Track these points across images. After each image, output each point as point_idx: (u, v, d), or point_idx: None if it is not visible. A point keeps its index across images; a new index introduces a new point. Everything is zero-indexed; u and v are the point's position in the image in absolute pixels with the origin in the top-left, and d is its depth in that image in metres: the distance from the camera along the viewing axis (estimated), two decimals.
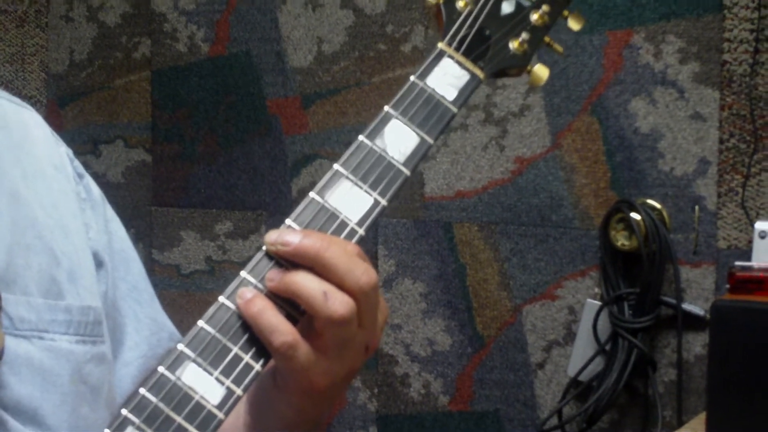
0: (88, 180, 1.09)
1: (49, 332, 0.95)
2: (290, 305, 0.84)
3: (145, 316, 1.09)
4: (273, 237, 0.85)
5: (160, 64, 2.59)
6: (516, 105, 2.20)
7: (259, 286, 0.84)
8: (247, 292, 0.83)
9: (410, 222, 2.32)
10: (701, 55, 2.04)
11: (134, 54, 2.62)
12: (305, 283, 0.83)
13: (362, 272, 0.84)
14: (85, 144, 2.66)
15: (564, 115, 2.16)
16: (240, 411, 0.94)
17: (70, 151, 1.09)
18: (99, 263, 1.04)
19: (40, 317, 0.94)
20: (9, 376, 0.90)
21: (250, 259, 0.86)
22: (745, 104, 2.01)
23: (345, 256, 0.84)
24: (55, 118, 2.69)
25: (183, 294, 2.57)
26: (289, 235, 0.84)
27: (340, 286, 0.83)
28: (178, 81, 2.57)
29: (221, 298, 0.84)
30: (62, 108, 2.70)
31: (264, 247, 0.85)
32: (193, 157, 2.56)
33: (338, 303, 0.82)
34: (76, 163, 1.09)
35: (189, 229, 2.57)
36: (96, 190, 1.09)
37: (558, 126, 2.17)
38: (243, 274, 0.84)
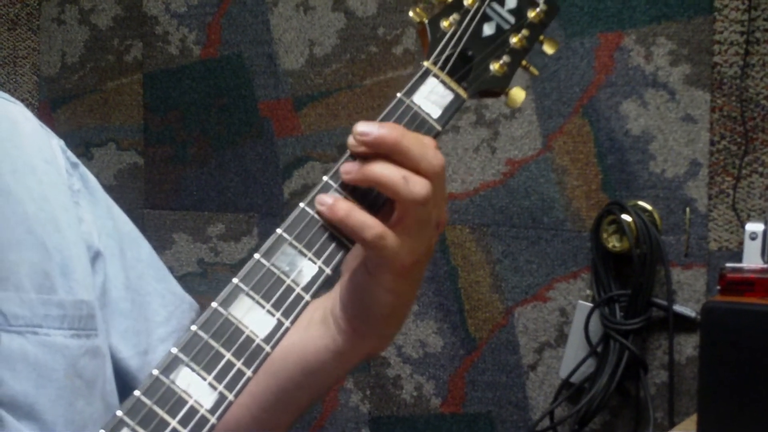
0: (84, 169, 1.10)
1: (43, 327, 0.95)
2: (362, 203, 0.89)
3: (166, 291, 1.13)
4: (356, 129, 0.90)
5: (152, 66, 2.59)
6: (507, 107, 2.20)
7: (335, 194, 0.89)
8: (327, 198, 0.88)
9: None
10: (692, 57, 2.05)
11: (126, 57, 2.62)
12: (386, 170, 0.88)
13: (433, 156, 0.90)
14: (77, 147, 2.66)
15: (555, 118, 2.17)
16: (343, 311, 0.98)
17: (62, 142, 1.09)
18: (95, 254, 1.05)
19: (33, 312, 0.95)
20: (4, 371, 0.91)
21: (242, 261, 0.87)
22: (735, 106, 2.02)
23: (419, 143, 0.89)
24: (46, 120, 2.67)
25: None
26: (366, 126, 0.89)
27: (416, 170, 0.89)
28: (169, 84, 2.57)
29: (214, 304, 0.84)
30: (54, 111, 2.70)
31: (324, 179, 0.90)
32: (185, 159, 2.56)
33: (418, 185, 0.88)
34: (69, 153, 1.09)
35: (181, 232, 2.57)
36: (92, 177, 1.10)
37: (549, 128, 2.18)
38: (325, 178, 0.90)
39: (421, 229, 0.91)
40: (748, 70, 2.00)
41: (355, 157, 0.90)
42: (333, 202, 0.88)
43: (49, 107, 2.71)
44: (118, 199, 1.14)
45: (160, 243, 2.58)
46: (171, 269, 2.73)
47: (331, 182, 0.90)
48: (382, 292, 0.94)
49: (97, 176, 2.79)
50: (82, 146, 2.66)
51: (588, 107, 2.14)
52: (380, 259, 0.91)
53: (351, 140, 0.89)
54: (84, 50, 2.67)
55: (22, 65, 2.71)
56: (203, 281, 2.56)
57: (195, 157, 2.55)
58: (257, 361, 0.83)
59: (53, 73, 2.70)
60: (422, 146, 0.89)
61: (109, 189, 2.84)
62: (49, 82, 2.71)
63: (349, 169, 0.89)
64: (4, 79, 2.69)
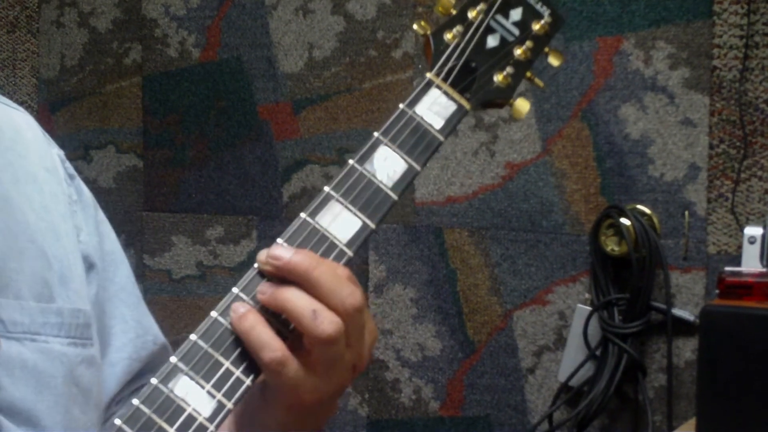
0: (79, 181, 1.09)
1: (41, 335, 0.95)
2: (281, 322, 0.84)
3: (131, 318, 1.10)
4: (264, 254, 0.85)
5: (151, 69, 2.59)
6: (506, 111, 2.20)
7: (251, 303, 0.85)
8: (241, 307, 0.84)
9: (401, 227, 2.32)
10: (691, 60, 2.05)
11: (125, 60, 2.62)
12: (295, 299, 0.84)
13: (348, 294, 0.84)
14: (76, 149, 2.66)
15: (554, 121, 2.17)
16: (225, 424, 0.94)
17: (61, 153, 1.09)
18: (89, 266, 1.05)
19: (32, 320, 0.95)
20: (3, 377, 0.91)
21: (241, 264, 0.87)
22: (734, 110, 2.02)
23: (332, 277, 0.84)
24: (46, 123, 2.69)
25: (174, 299, 2.57)
26: (281, 250, 0.85)
27: (327, 305, 0.84)
28: (169, 86, 2.57)
29: (213, 314, 0.84)
30: (53, 113, 2.70)
31: (256, 265, 0.86)
32: (184, 162, 2.56)
33: (327, 322, 0.83)
34: (68, 164, 1.09)
35: (180, 234, 2.57)
36: (87, 191, 1.10)
37: (548, 132, 2.18)
38: (235, 290, 0.85)
39: (328, 369, 0.86)
40: (747, 74, 2.01)
41: None
42: (243, 313, 0.84)
43: (48, 110, 2.71)
44: (117, 202, 1.14)
45: (159, 246, 2.58)
46: (169, 272, 2.74)
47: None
48: (270, 420, 0.90)
49: (96, 179, 2.78)
50: (81, 149, 2.66)
51: (587, 111, 2.14)
52: (278, 386, 0.86)
53: (262, 257, 0.85)
54: (83, 53, 2.67)
55: (21, 68, 2.71)
56: (202, 284, 2.56)
57: (194, 159, 2.55)
58: (257, 369, 0.83)
59: (52, 76, 2.70)
60: (336, 280, 0.85)
61: (108, 192, 2.82)
62: (49, 85, 2.71)
63: (264, 289, 0.85)
64: (3, 82, 2.69)
